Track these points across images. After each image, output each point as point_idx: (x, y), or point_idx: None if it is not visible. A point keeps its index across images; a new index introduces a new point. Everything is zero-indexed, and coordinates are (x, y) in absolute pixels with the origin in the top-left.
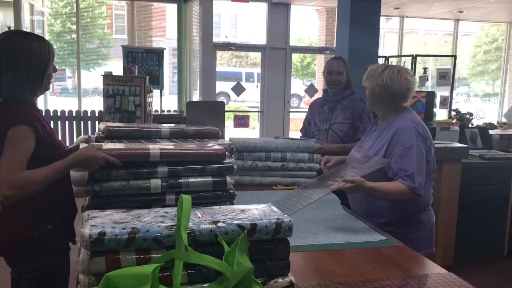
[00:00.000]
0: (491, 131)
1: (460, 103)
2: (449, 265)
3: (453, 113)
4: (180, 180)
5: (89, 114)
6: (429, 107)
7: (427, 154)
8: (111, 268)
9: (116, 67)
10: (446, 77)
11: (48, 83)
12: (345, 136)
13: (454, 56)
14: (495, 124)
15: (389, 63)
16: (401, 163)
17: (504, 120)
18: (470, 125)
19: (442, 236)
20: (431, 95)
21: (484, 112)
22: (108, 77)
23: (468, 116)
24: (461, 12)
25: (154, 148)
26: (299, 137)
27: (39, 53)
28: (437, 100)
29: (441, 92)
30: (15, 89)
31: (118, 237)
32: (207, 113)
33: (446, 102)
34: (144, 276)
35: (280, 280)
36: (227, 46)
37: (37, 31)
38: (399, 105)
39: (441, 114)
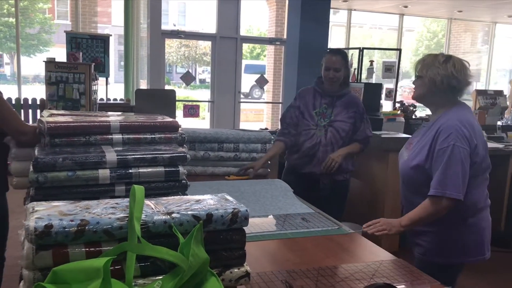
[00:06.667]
0: None
1: (404, 95)
2: (395, 251)
3: (397, 105)
4: (130, 170)
5: (30, 102)
6: (376, 99)
7: (472, 155)
8: (59, 263)
9: (59, 54)
10: (391, 70)
11: None
12: (346, 135)
13: (399, 50)
14: None
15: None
16: (434, 166)
17: None
18: (413, 117)
19: None
20: (378, 87)
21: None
22: (50, 64)
23: (411, 108)
24: (405, 7)
25: (114, 120)
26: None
27: None
28: (383, 92)
29: (387, 85)
30: None
31: (66, 229)
32: (156, 102)
33: (391, 94)
34: (95, 269)
35: (235, 270)
36: (176, 34)
37: None
38: (455, 98)
39: (386, 106)
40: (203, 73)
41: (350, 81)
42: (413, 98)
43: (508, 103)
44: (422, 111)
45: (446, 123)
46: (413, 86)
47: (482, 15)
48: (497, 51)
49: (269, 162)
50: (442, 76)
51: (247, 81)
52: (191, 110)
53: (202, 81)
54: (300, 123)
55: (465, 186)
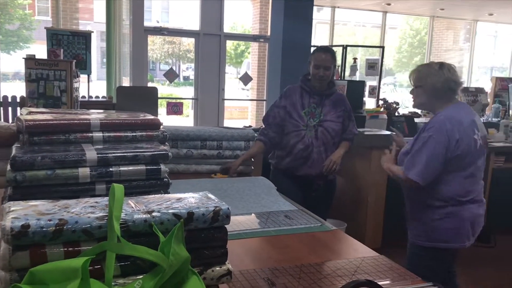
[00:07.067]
0: (416, 120)
1: (387, 93)
2: (377, 247)
3: (380, 102)
4: (110, 169)
5: (9, 100)
6: (359, 96)
7: (452, 149)
8: (36, 263)
9: (40, 51)
10: (374, 67)
11: None
12: (336, 135)
13: (382, 47)
14: (419, 113)
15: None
16: (411, 148)
17: None
18: (396, 114)
19: (371, 219)
20: (361, 84)
21: (409, 102)
22: (30, 61)
23: (394, 105)
24: (389, 4)
25: (94, 117)
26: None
27: None
28: (366, 89)
29: (370, 82)
30: None
31: (44, 229)
32: (138, 99)
33: (374, 92)
34: (74, 269)
35: (217, 268)
36: (159, 31)
37: None
38: (454, 98)
39: (369, 103)
40: (187, 70)
41: (334, 78)
42: (415, 106)
43: (489, 100)
44: (405, 108)
45: (436, 118)
46: (412, 96)
47: (463, 13)
48: (479, 48)
49: (252, 159)
50: (443, 82)
51: None
52: (175, 108)
53: (186, 78)
54: (287, 123)
55: (432, 174)
